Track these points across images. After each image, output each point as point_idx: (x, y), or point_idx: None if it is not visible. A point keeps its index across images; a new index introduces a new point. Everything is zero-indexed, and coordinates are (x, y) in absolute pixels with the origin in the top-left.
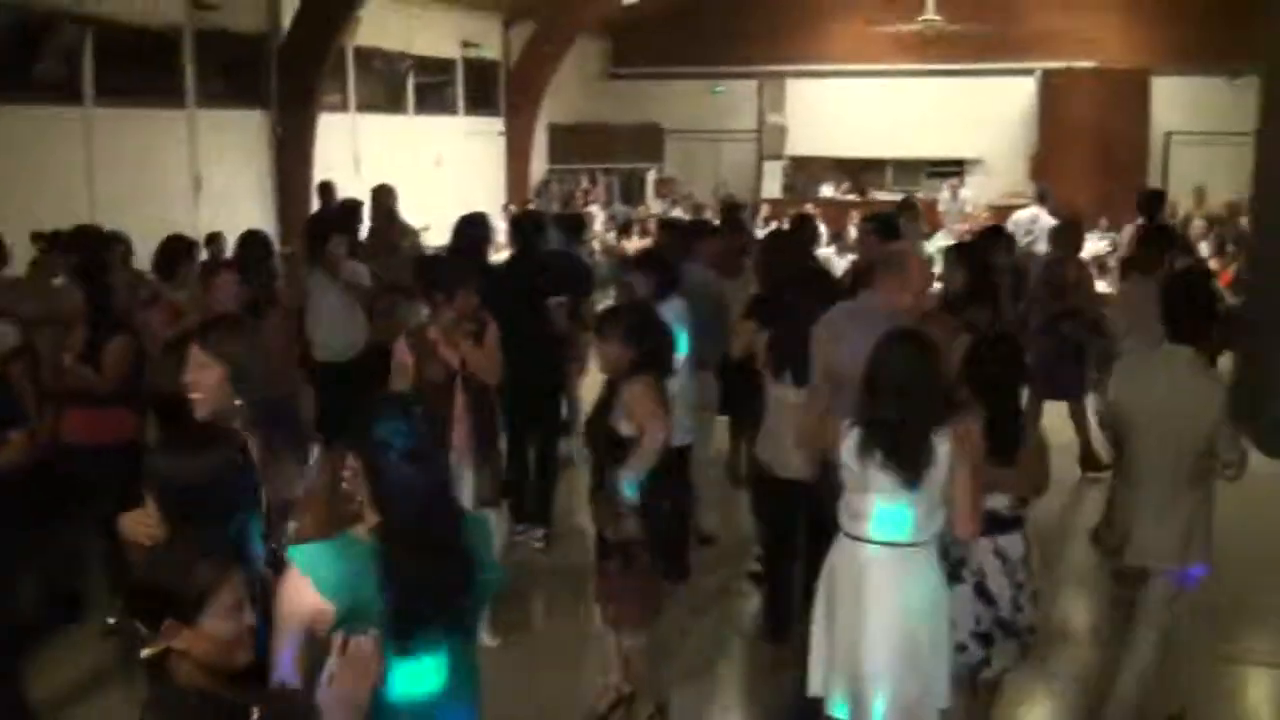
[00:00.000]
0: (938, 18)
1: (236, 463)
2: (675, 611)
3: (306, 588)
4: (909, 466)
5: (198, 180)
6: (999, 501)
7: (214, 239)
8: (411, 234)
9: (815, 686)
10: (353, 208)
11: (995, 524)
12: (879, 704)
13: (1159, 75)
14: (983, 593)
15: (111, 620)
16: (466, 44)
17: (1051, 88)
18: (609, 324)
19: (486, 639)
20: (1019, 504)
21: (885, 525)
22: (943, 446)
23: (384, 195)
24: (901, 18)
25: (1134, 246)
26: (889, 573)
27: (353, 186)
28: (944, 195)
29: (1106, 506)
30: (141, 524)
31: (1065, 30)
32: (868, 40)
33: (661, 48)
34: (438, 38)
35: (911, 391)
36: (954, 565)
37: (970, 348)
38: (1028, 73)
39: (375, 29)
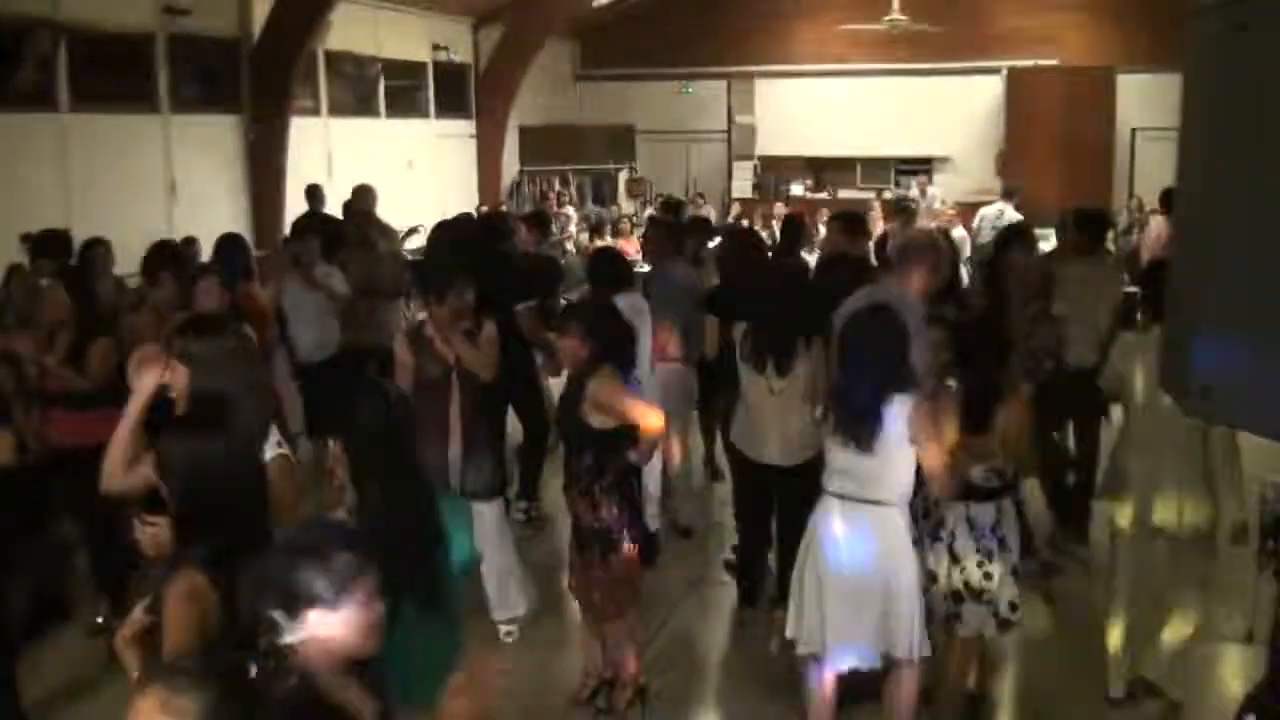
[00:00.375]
0: (904, 18)
1: None
2: (652, 600)
3: None
4: (856, 431)
5: (172, 185)
6: (975, 471)
7: (189, 243)
8: (392, 235)
9: (790, 630)
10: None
11: (969, 492)
12: (839, 650)
13: (1124, 73)
14: (952, 554)
15: (99, 620)
16: (437, 47)
17: (1017, 85)
18: (569, 320)
19: (502, 621)
20: (995, 475)
21: (846, 481)
22: (896, 413)
23: (363, 196)
24: (868, 18)
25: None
26: (849, 525)
27: (326, 189)
28: (913, 193)
29: (1109, 462)
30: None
31: (1030, 28)
32: (835, 40)
33: (630, 49)
34: (408, 41)
35: (862, 363)
36: (934, 524)
37: (953, 326)
38: (994, 71)
39: (346, 33)
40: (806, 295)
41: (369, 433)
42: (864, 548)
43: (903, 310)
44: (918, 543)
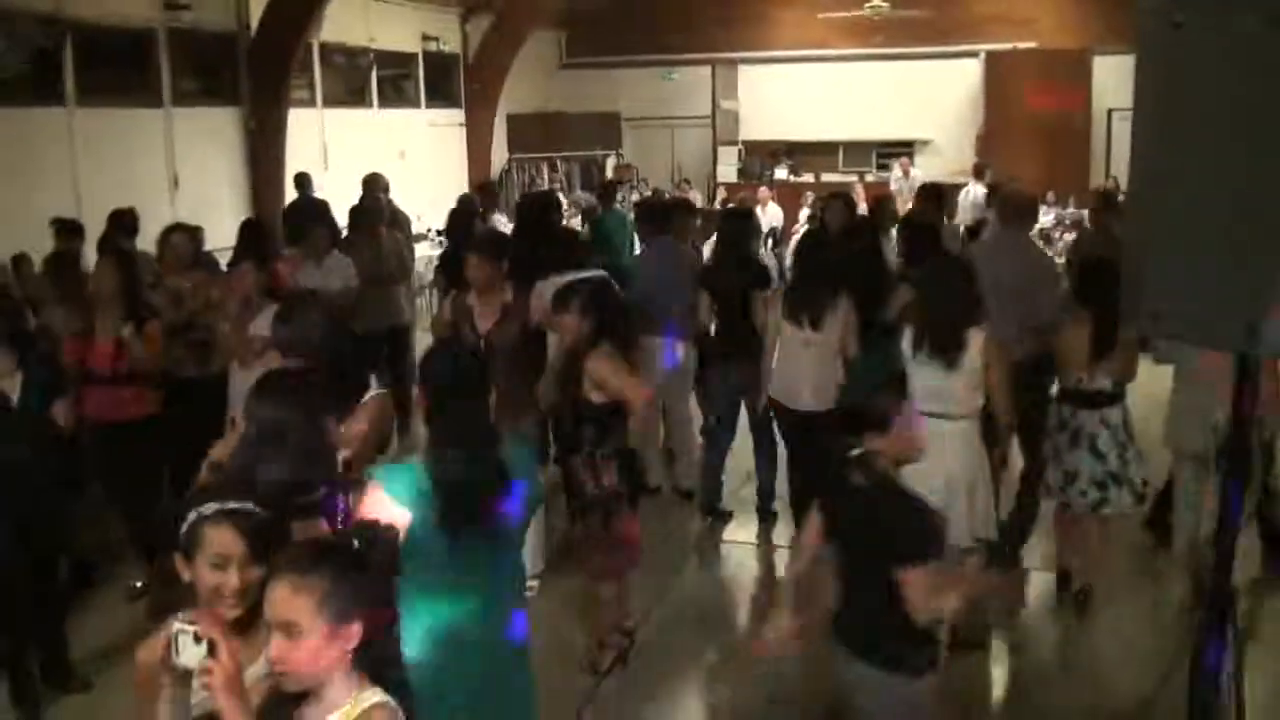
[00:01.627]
0: (884, 3)
1: None
2: (655, 564)
3: (386, 500)
4: (947, 355)
5: (175, 176)
6: (1103, 383)
7: (195, 232)
8: (404, 220)
9: None
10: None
11: (1103, 398)
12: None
13: (1100, 54)
14: (1095, 451)
15: (138, 584)
16: (426, 38)
17: (996, 69)
18: (566, 298)
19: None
20: (1118, 386)
21: (933, 402)
22: (972, 341)
23: (375, 183)
24: (849, 4)
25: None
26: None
27: (321, 179)
28: (895, 174)
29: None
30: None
31: (1007, 13)
32: (816, 26)
33: (615, 37)
34: (398, 32)
35: (943, 301)
36: (1072, 433)
37: (1079, 267)
38: (972, 55)
39: (339, 25)
40: (833, 260)
41: (438, 382)
42: (952, 453)
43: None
44: (1055, 452)
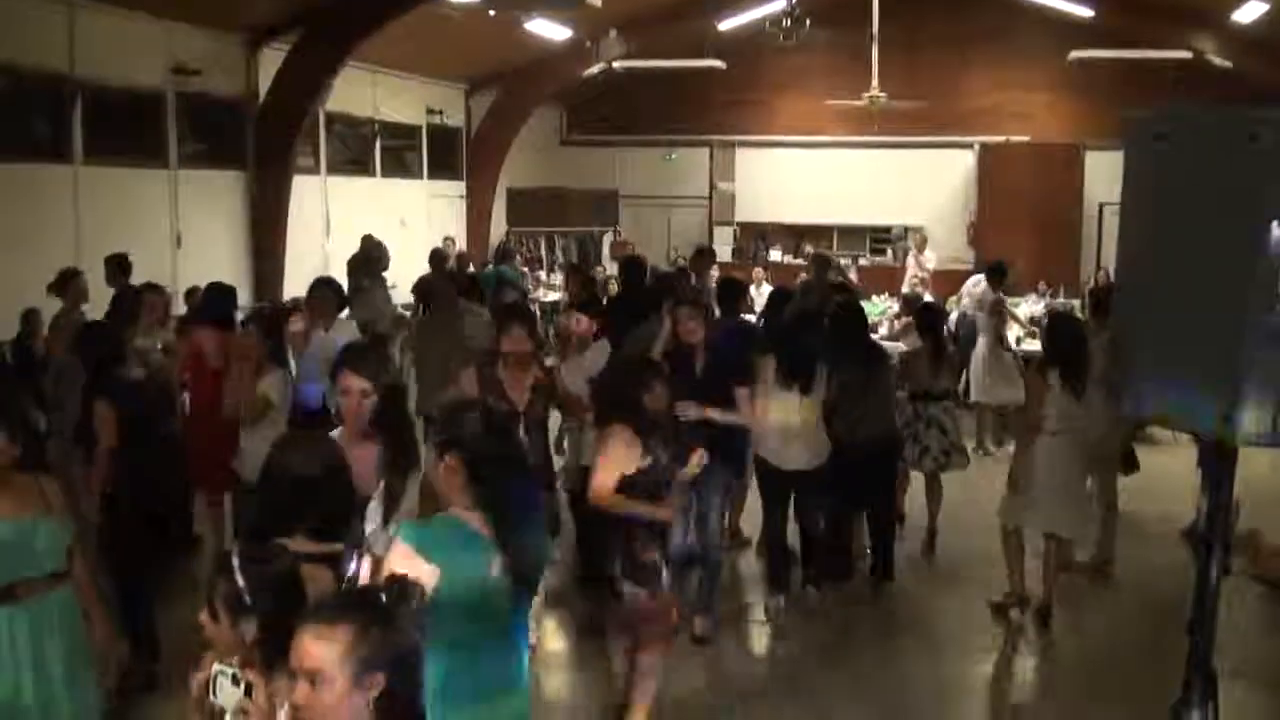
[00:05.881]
0: (882, 94)
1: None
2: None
3: (413, 556)
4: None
5: (178, 236)
6: (943, 386)
7: (193, 293)
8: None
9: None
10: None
11: (944, 395)
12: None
13: (1092, 149)
14: (941, 429)
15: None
16: (430, 111)
17: (989, 160)
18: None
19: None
20: (947, 387)
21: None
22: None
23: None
24: (848, 94)
25: None
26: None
27: (324, 245)
28: (910, 260)
29: None
30: None
31: (1001, 106)
32: (815, 112)
33: (615, 116)
34: (404, 105)
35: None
36: (926, 420)
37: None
38: (967, 145)
39: (345, 95)
40: (819, 335)
41: (473, 447)
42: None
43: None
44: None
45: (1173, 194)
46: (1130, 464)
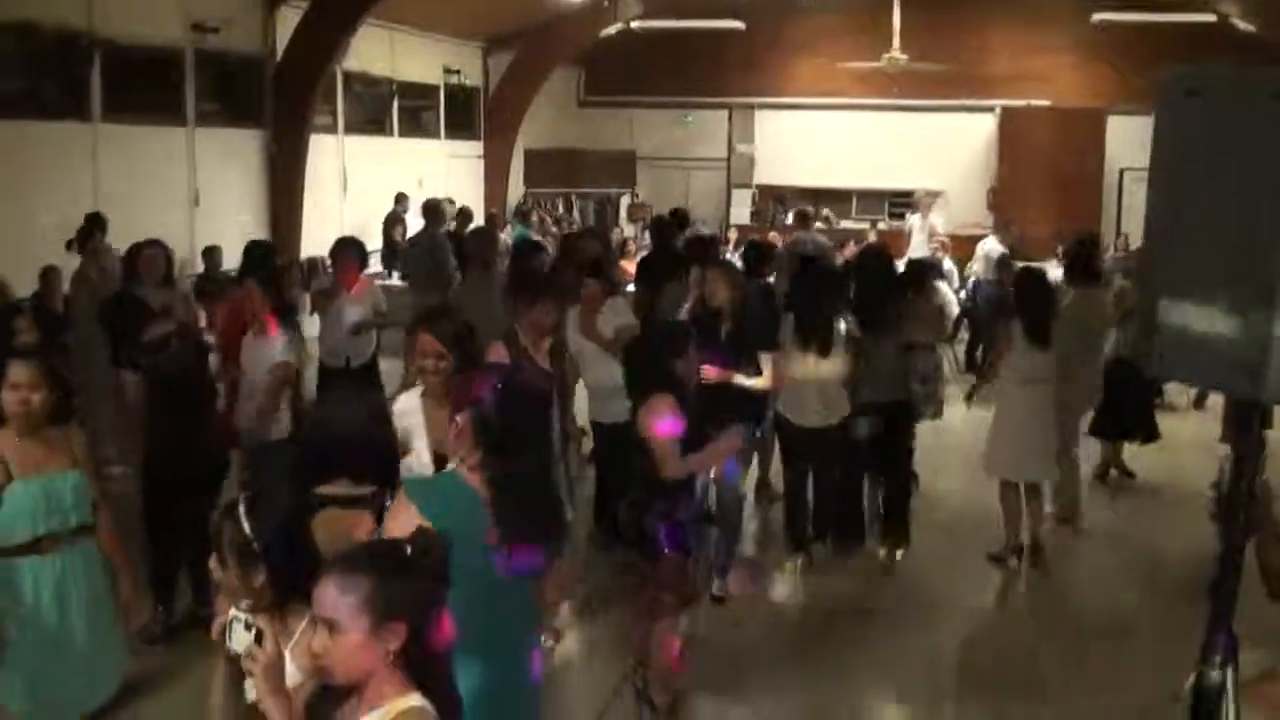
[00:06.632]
0: (903, 56)
1: None
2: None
3: (411, 511)
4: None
5: (196, 195)
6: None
7: (211, 251)
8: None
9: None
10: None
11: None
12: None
13: (1114, 115)
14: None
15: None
16: (448, 70)
17: (1010, 124)
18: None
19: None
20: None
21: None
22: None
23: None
24: (868, 56)
25: None
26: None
27: (340, 204)
28: (915, 220)
29: None
30: None
31: (1024, 70)
32: (835, 75)
33: (634, 77)
34: (421, 64)
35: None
36: None
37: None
38: (988, 109)
39: (363, 54)
40: (840, 297)
41: (482, 412)
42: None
43: None
44: None
45: (1203, 152)
46: (1150, 433)
